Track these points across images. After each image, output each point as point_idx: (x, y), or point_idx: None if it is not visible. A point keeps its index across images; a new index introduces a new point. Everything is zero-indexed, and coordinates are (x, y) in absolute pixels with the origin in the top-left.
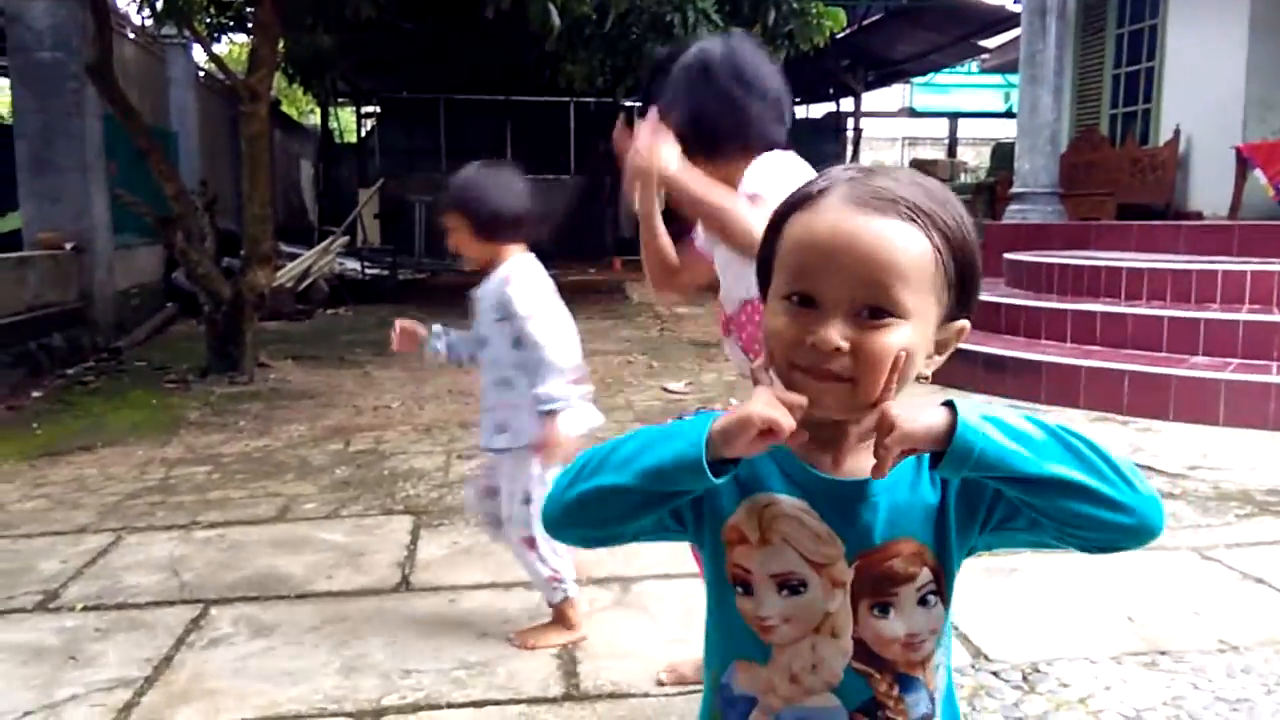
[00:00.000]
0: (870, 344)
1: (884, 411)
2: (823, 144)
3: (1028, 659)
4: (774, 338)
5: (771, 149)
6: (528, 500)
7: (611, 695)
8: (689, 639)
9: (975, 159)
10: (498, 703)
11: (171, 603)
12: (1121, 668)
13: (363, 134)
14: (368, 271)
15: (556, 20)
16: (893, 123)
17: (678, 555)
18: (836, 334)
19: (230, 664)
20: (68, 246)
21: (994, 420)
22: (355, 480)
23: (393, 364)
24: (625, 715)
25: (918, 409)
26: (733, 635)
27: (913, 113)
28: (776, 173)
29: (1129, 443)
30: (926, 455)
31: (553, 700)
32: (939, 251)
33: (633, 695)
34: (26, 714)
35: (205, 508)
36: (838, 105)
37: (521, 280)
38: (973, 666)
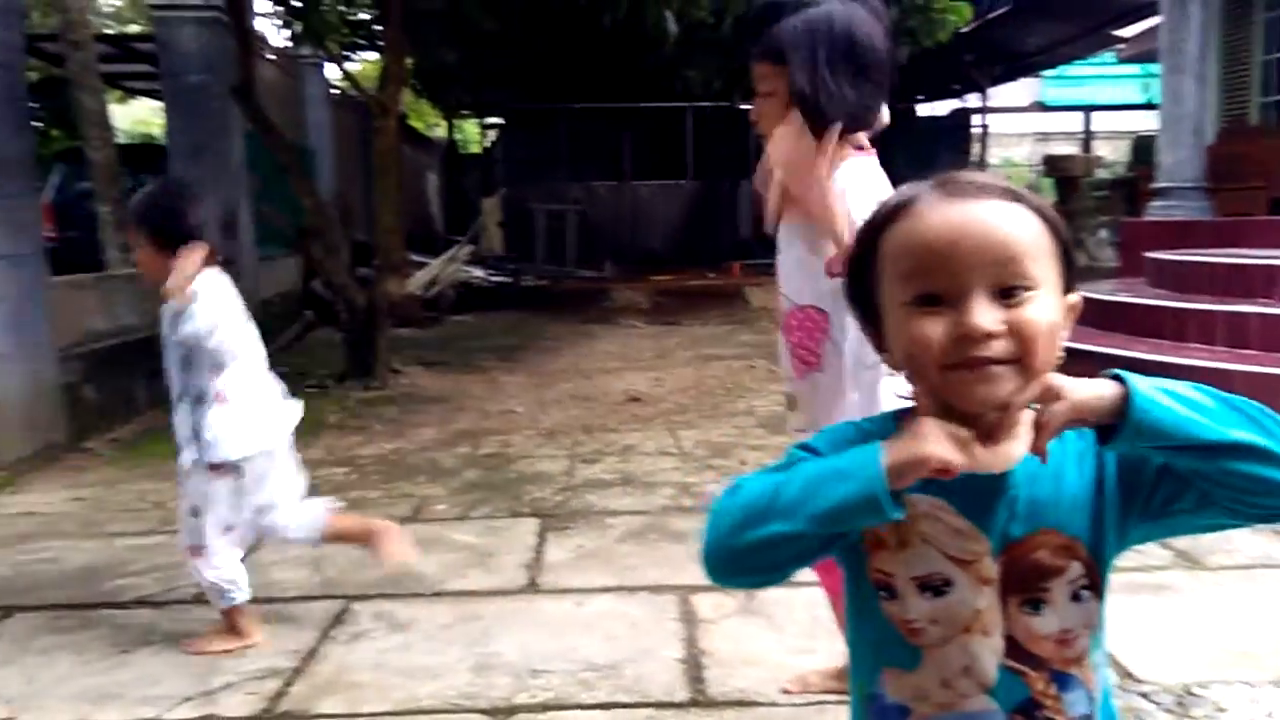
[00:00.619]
0: (1022, 318)
1: (1047, 382)
2: (947, 142)
3: (1179, 681)
4: (915, 345)
5: (864, 130)
6: (196, 514)
7: (739, 703)
8: (815, 648)
9: (1112, 153)
10: (625, 706)
11: (316, 598)
12: None
13: (486, 145)
14: (492, 279)
15: (673, 27)
16: (1022, 118)
17: None
18: (986, 319)
19: (370, 658)
20: (217, 258)
21: (1164, 389)
22: (484, 483)
23: (517, 369)
24: None
25: (1080, 381)
26: (879, 642)
27: (1044, 107)
28: (865, 182)
29: None
30: (1073, 444)
31: (679, 705)
32: (1044, 224)
33: (760, 704)
34: (185, 699)
35: (345, 508)
36: (963, 102)
37: (205, 298)
38: (1120, 688)
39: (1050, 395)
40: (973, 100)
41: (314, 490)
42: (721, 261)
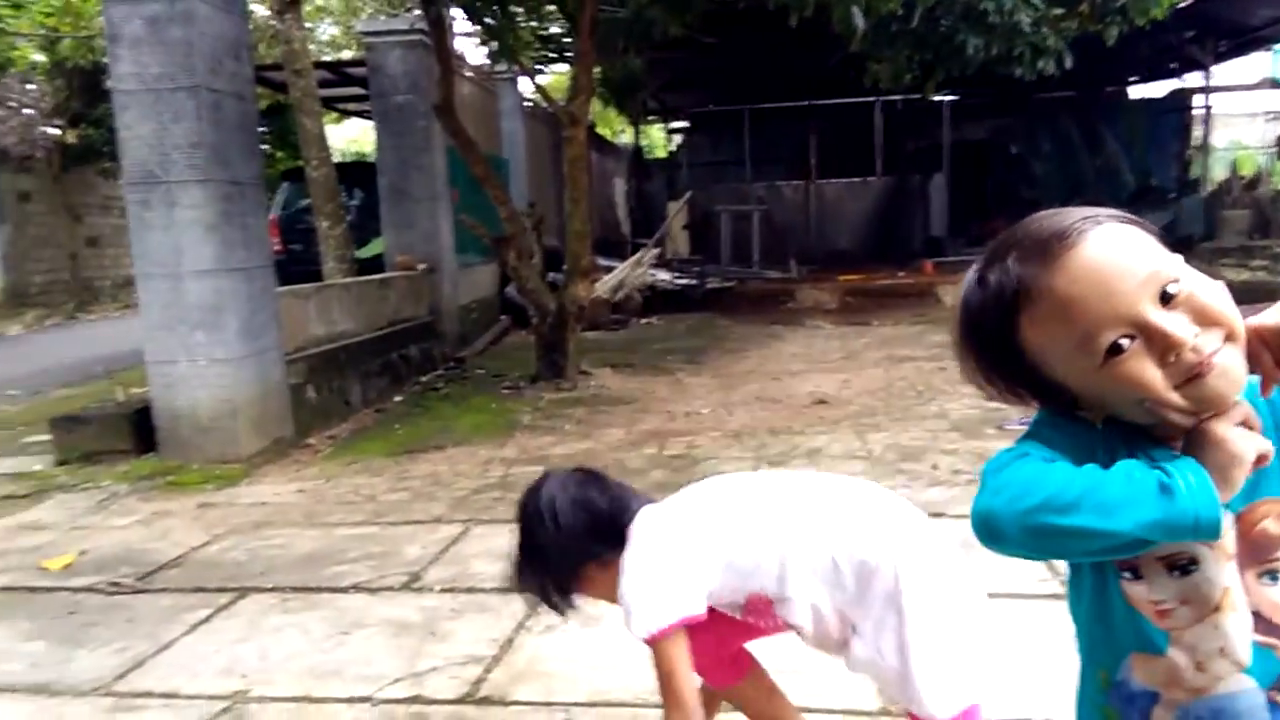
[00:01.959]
0: (1196, 302)
1: (1263, 327)
2: (1165, 126)
3: None
4: (1140, 390)
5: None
6: None
7: None
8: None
9: None
10: (810, 710)
11: (512, 590)
12: None
13: (671, 149)
14: (677, 281)
15: (860, 21)
16: (1252, 97)
17: (1013, 572)
18: (1177, 325)
19: (564, 649)
20: (420, 267)
21: None
22: (670, 484)
23: (703, 371)
24: None
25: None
26: (1122, 627)
27: (1276, 84)
28: (643, 587)
29: None
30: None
31: (868, 714)
32: (1127, 224)
33: None
34: (396, 680)
35: None
36: (1182, 81)
37: None
38: None
39: (1256, 340)
40: (1195, 79)
41: (510, 488)
42: (912, 259)
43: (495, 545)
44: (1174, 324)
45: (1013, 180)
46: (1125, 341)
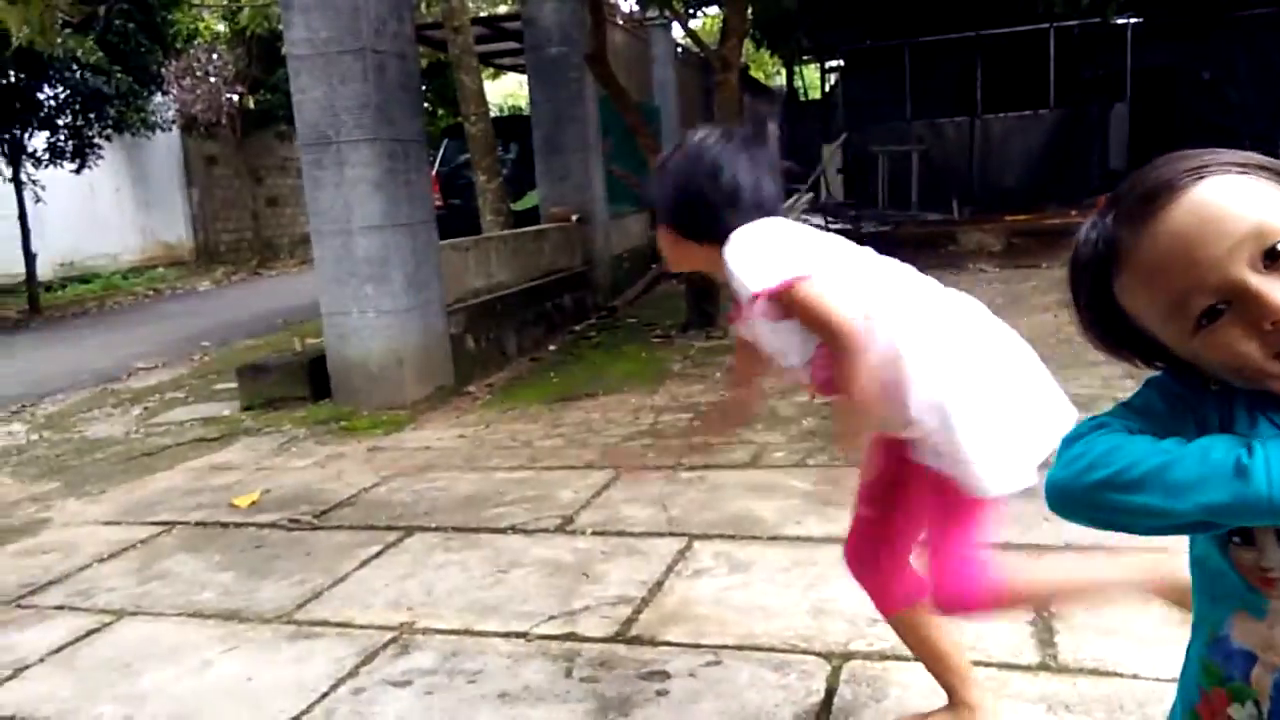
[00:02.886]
0: None
1: None
2: None
3: None
4: (1236, 359)
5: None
6: None
7: (1094, 672)
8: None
9: None
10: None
11: (661, 534)
12: None
13: (826, 90)
14: (831, 226)
15: None
16: None
17: None
18: (1276, 289)
19: (712, 594)
20: (574, 218)
21: None
22: (820, 431)
23: None
24: (1109, 694)
25: None
26: (1229, 587)
27: None
28: (761, 250)
29: None
30: None
31: (1026, 668)
32: (1240, 170)
33: (1118, 674)
34: (550, 618)
35: (688, 451)
36: None
37: None
38: None
39: None
40: None
41: (660, 434)
42: (1088, 195)
43: (645, 491)
44: (1272, 288)
45: (1204, 108)
46: (1220, 307)
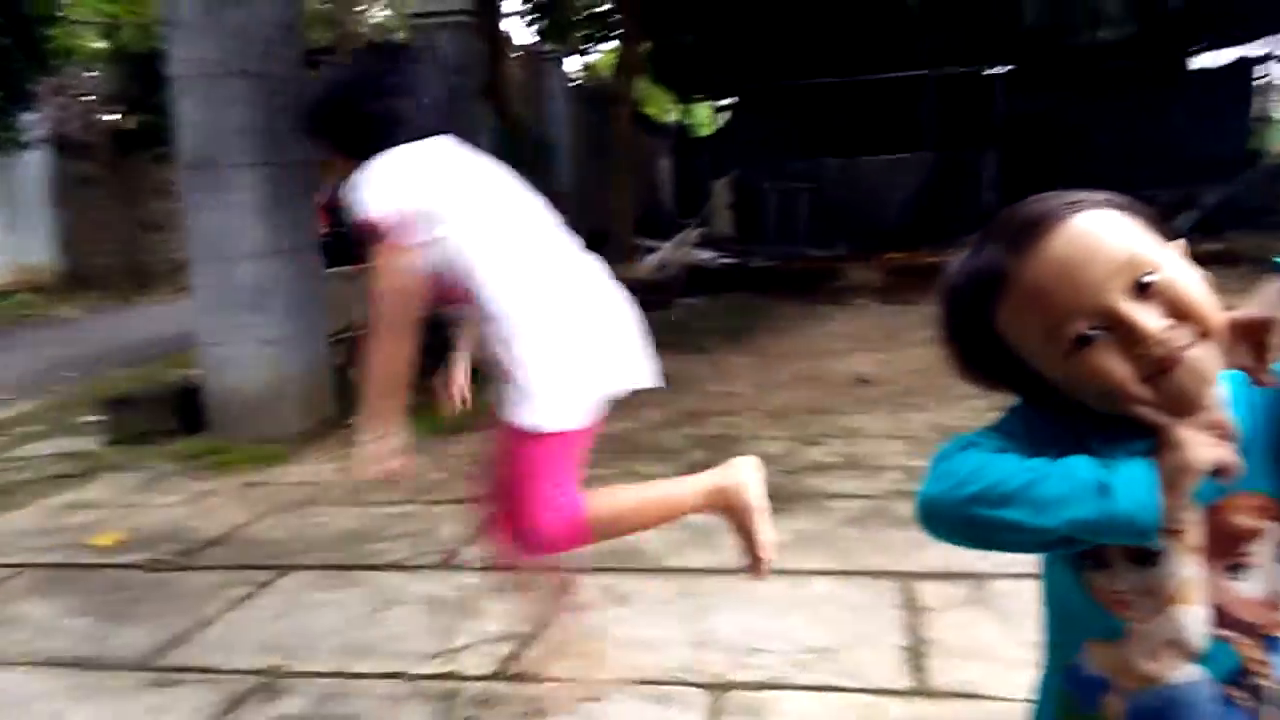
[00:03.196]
0: (1173, 293)
1: (1238, 321)
2: (1224, 96)
3: None
4: (1107, 382)
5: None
6: None
7: (965, 695)
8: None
9: None
10: (842, 690)
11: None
12: None
13: (717, 127)
14: (721, 260)
15: None
16: None
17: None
18: (1148, 317)
19: (595, 630)
20: None
21: None
22: (708, 463)
23: (745, 351)
24: (981, 717)
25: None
26: (1081, 614)
27: None
28: (383, 183)
29: None
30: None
31: (900, 693)
32: (1112, 210)
33: (987, 697)
34: (431, 657)
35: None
36: (1246, 50)
37: None
38: None
39: (1264, 326)
40: (1259, 49)
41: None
42: (963, 235)
43: None
44: (1143, 315)
45: (1070, 154)
46: (1094, 333)
